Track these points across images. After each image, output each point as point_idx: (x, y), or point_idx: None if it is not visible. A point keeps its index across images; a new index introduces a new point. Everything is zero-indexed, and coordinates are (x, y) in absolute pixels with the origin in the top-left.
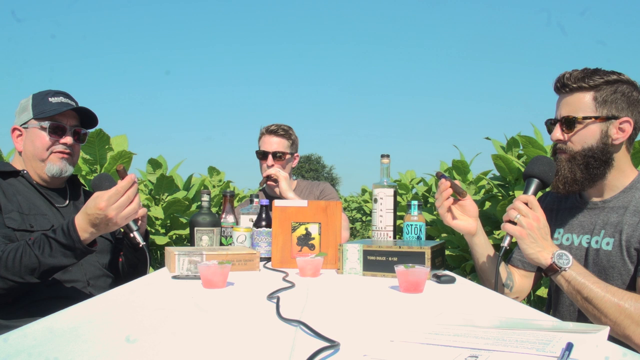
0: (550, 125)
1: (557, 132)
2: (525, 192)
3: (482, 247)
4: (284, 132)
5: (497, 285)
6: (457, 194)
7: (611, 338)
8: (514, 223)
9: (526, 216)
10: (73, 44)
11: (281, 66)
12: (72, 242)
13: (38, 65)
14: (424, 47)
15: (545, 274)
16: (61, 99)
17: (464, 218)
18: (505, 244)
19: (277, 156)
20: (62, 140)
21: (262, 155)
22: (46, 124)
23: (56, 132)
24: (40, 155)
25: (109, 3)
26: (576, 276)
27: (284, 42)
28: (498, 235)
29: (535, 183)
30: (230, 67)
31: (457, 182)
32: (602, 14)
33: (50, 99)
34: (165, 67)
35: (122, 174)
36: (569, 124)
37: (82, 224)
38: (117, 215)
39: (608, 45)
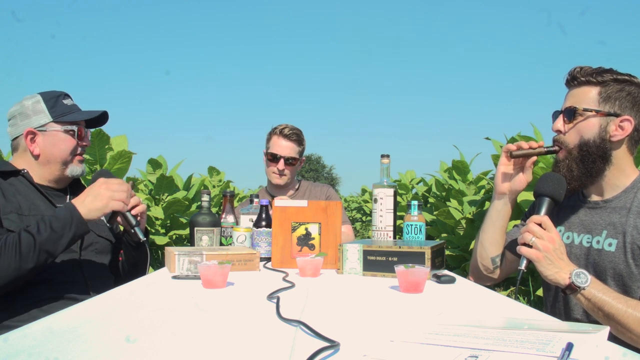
0: (555, 117)
1: (559, 123)
2: (538, 213)
3: (499, 212)
4: (297, 136)
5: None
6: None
7: (611, 338)
8: (530, 245)
9: (541, 238)
10: (73, 44)
11: (281, 66)
12: (69, 212)
13: (38, 65)
14: (424, 47)
15: (564, 292)
16: (70, 101)
17: (519, 177)
18: (523, 267)
19: (289, 161)
20: (83, 143)
21: (274, 157)
22: (73, 128)
23: (79, 135)
24: (64, 158)
25: (109, 3)
26: (596, 293)
27: (284, 41)
28: None
29: (547, 202)
30: (231, 67)
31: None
32: (602, 14)
33: (64, 102)
34: (165, 67)
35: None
36: (570, 114)
37: (79, 199)
38: (108, 188)
39: (608, 45)
